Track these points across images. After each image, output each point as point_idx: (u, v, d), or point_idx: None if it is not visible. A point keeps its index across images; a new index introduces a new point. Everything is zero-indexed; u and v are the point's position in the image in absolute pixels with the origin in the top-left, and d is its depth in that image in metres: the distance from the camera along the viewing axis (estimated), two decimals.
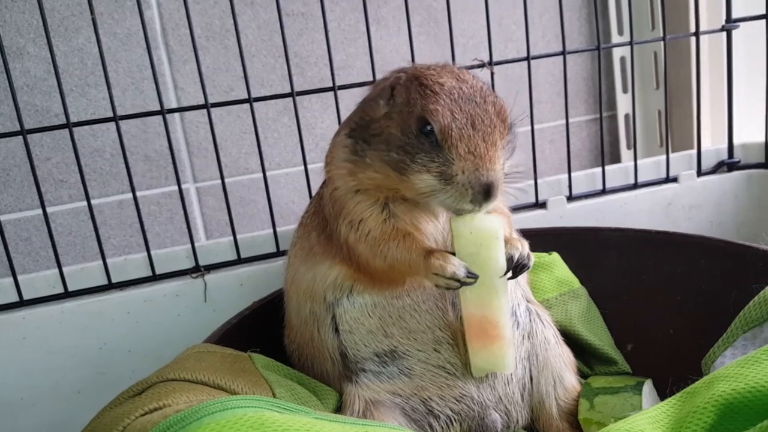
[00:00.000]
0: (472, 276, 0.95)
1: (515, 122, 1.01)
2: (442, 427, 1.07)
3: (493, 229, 0.96)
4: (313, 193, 1.29)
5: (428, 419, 1.07)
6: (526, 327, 1.14)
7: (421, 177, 0.94)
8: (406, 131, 0.95)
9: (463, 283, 0.95)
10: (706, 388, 0.75)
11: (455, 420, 1.08)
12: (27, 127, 1.33)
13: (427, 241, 1.04)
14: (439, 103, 0.93)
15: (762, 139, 1.67)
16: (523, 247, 1.02)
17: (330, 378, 1.12)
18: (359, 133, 1.03)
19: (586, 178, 1.68)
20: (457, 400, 1.07)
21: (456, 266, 0.94)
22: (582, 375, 1.25)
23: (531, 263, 1.03)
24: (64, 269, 1.40)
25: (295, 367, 1.16)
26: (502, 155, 0.95)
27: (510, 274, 0.99)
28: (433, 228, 1.06)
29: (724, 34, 1.68)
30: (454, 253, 0.97)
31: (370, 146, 1.00)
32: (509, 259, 0.99)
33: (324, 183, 1.15)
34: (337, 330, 1.09)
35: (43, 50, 1.68)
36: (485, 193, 0.90)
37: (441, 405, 1.07)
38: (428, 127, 0.93)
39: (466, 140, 0.91)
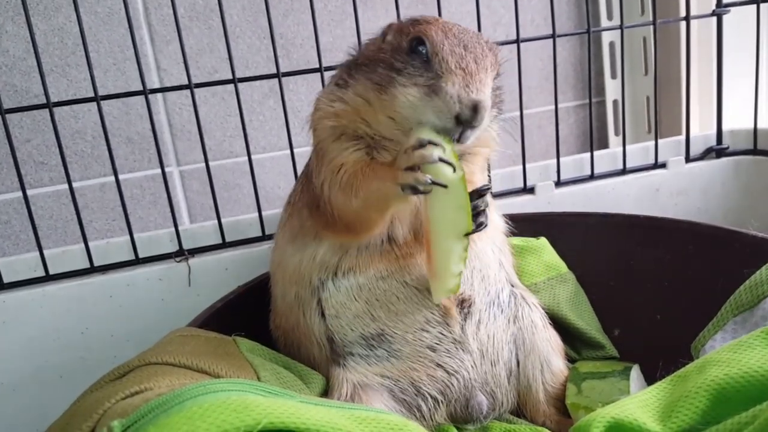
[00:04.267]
0: (443, 161, 0.89)
1: (501, 71, 1.00)
2: (430, 409, 1.07)
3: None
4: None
5: (417, 401, 1.06)
6: (511, 311, 1.14)
7: (406, 91, 0.91)
8: (396, 51, 0.95)
9: (423, 188, 0.89)
10: (697, 373, 0.75)
11: (442, 402, 1.07)
12: (6, 107, 1.30)
13: None
14: (432, 27, 0.93)
15: (751, 125, 1.67)
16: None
17: (317, 362, 1.11)
18: (348, 73, 1.02)
19: (574, 163, 1.68)
20: (446, 382, 1.06)
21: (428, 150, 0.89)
22: (569, 360, 1.24)
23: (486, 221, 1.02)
24: (45, 252, 1.38)
25: (281, 353, 1.14)
26: (491, 86, 0.92)
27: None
28: None
29: (714, 19, 1.67)
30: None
31: (357, 72, 1.00)
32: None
33: (308, 163, 1.13)
34: (323, 315, 1.07)
35: (22, 29, 1.64)
36: (473, 108, 0.87)
37: (429, 386, 1.06)
38: (421, 47, 0.92)
39: (458, 57, 0.90)
